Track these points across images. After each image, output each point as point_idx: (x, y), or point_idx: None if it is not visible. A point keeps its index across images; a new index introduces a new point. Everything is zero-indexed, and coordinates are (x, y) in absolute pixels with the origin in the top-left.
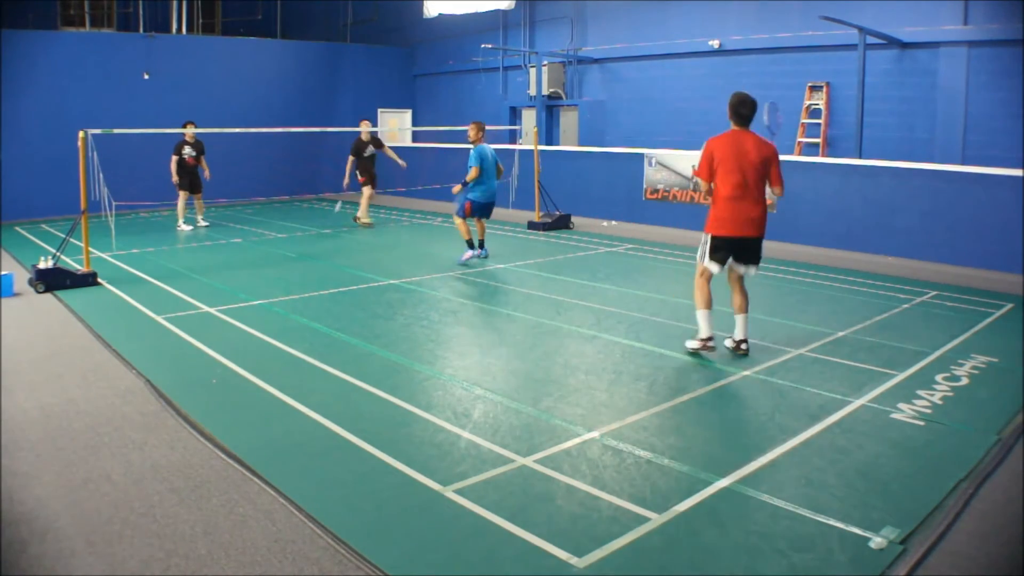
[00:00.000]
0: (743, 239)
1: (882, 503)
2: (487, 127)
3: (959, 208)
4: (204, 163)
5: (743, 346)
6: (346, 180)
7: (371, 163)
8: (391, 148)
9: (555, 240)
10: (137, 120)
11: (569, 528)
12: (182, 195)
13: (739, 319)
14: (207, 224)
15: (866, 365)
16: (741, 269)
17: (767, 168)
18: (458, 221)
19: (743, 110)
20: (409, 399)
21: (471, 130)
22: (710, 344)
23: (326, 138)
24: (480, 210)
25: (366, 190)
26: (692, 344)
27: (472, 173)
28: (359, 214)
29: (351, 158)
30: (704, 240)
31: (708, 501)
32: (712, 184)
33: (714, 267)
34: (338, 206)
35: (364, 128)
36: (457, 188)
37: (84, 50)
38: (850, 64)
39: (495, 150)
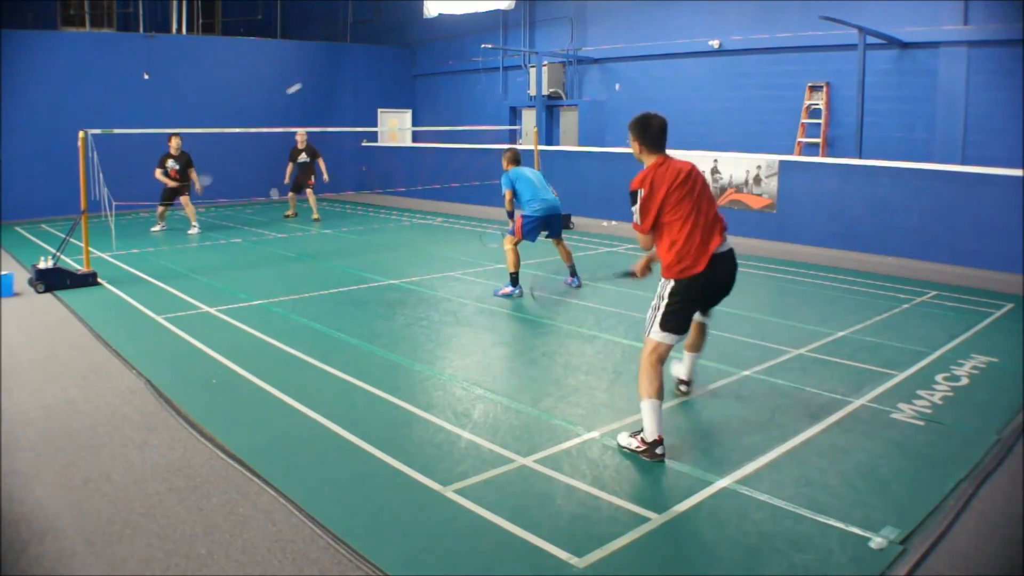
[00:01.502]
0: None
1: (882, 503)
2: (488, 127)
3: (959, 208)
4: (194, 176)
5: (684, 387)
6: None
7: (303, 169)
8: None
9: None
10: (137, 120)
11: (569, 528)
12: (162, 207)
13: (690, 357)
14: (197, 230)
15: (866, 365)
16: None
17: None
18: (507, 246)
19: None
20: (409, 399)
21: (503, 161)
22: (659, 452)
23: (326, 138)
24: (536, 228)
25: (308, 192)
26: (625, 443)
27: (507, 197)
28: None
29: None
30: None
31: (708, 501)
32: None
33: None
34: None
35: (298, 137)
36: (511, 224)
37: (84, 50)
38: (850, 64)
39: (525, 170)
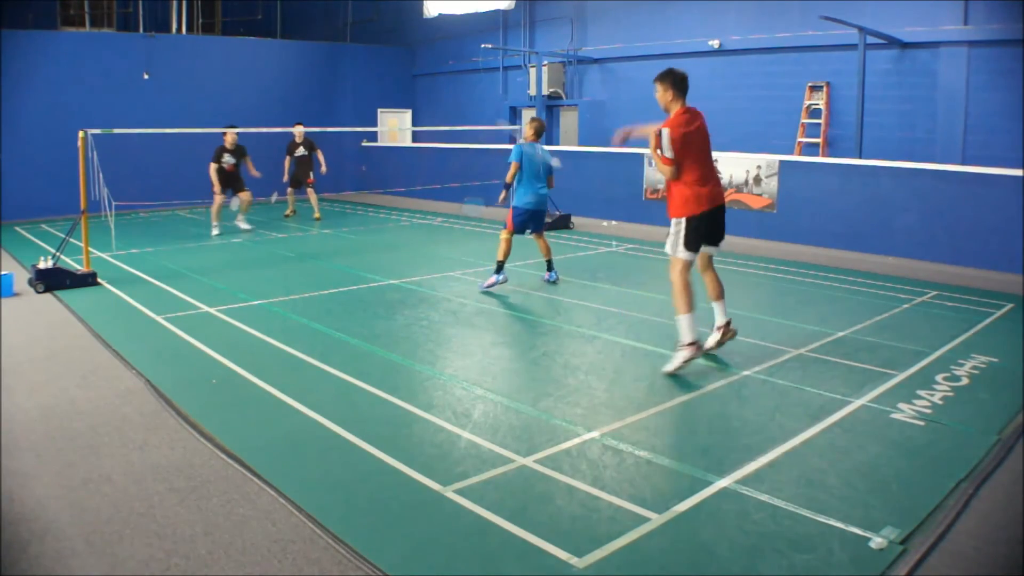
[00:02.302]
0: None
1: (882, 503)
2: (488, 127)
3: (959, 208)
4: (250, 165)
5: (731, 326)
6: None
7: (300, 164)
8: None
9: (555, 240)
10: (137, 120)
11: (569, 528)
12: (218, 198)
13: (718, 306)
14: (249, 227)
15: (866, 365)
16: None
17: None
18: (503, 235)
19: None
20: (409, 399)
21: (526, 127)
22: (700, 346)
23: (326, 138)
24: (525, 221)
25: (309, 190)
26: (677, 360)
27: (511, 170)
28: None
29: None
30: (679, 225)
31: (708, 501)
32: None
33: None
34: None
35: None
36: (503, 196)
37: (84, 50)
38: (850, 64)
39: (536, 149)
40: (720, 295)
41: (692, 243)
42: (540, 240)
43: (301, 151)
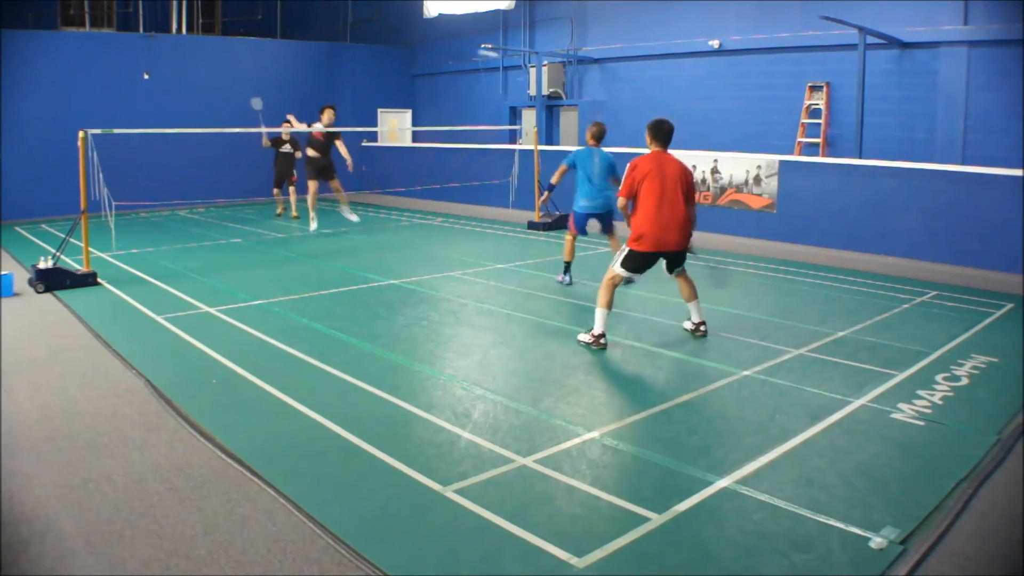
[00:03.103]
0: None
1: (882, 503)
2: (488, 127)
3: (959, 208)
4: (342, 147)
5: (702, 327)
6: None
7: (286, 162)
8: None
9: (555, 240)
10: (137, 120)
11: (569, 528)
12: (311, 184)
13: (692, 305)
14: (355, 217)
15: (866, 365)
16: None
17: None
18: (566, 237)
19: (665, 133)
20: (409, 399)
21: (587, 132)
22: (603, 341)
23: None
24: (582, 224)
25: (291, 189)
26: (583, 338)
27: (559, 170)
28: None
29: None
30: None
31: (708, 501)
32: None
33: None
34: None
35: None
36: (544, 196)
37: (84, 50)
38: (850, 64)
39: (593, 154)
40: (693, 296)
41: (630, 267)
42: (611, 240)
43: (287, 148)
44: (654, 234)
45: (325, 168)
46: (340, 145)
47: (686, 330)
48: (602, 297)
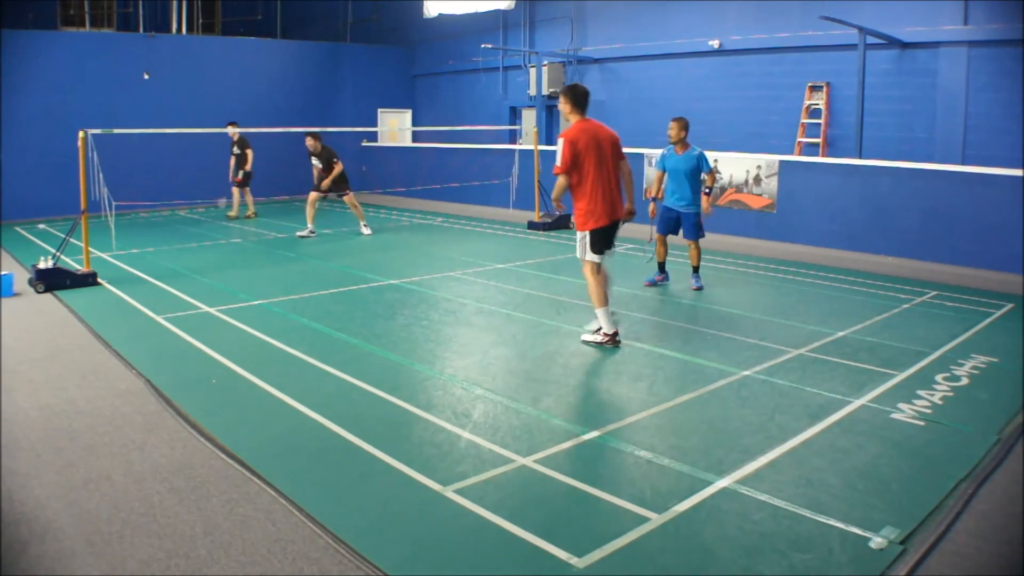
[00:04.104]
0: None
1: (882, 503)
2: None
3: (959, 208)
4: (338, 169)
5: (616, 337)
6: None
7: (238, 163)
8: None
9: (555, 240)
10: (137, 120)
11: (569, 528)
12: (312, 195)
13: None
14: (313, 231)
15: (866, 365)
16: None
17: (617, 152)
18: (656, 237)
19: (584, 98)
20: (409, 399)
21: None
22: (617, 339)
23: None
24: (659, 223)
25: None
26: (595, 338)
27: (655, 178)
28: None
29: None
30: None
31: (708, 501)
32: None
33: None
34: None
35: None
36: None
37: (84, 50)
38: (850, 64)
39: (674, 152)
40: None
41: (597, 248)
42: (692, 249)
43: (236, 150)
44: (604, 208)
45: (337, 187)
46: (335, 170)
47: (588, 341)
48: (596, 295)
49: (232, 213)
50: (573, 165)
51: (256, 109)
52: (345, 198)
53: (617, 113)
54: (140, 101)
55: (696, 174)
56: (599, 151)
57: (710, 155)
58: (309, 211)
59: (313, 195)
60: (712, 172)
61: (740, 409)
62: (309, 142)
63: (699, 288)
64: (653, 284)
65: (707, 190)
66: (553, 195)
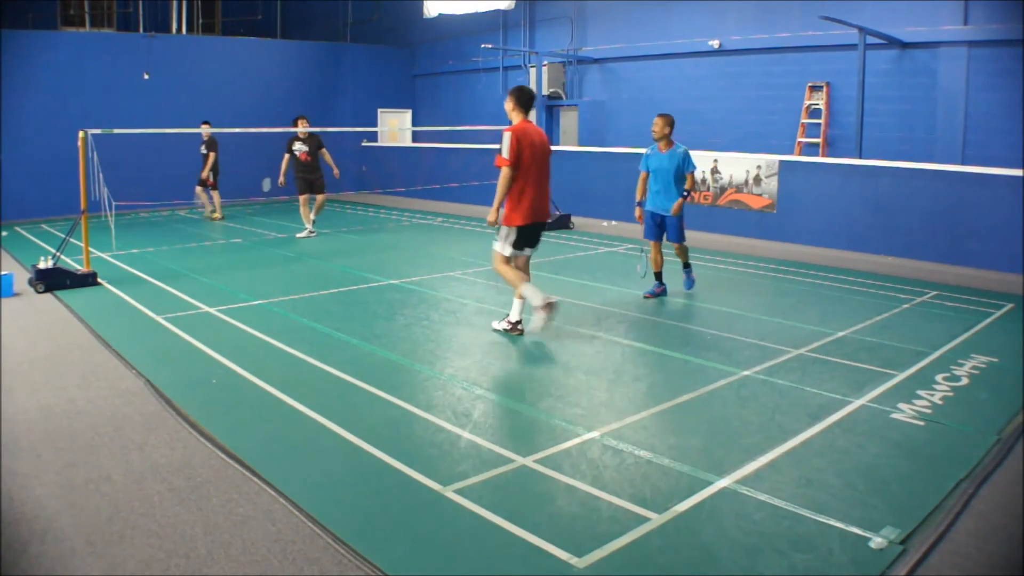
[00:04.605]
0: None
1: (882, 503)
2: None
3: (959, 208)
4: (328, 157)
5: (520, 326)
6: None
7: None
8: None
9: (555, 240)
10: (137, 120)
11: (569, 528)
12: (301, 198)
13: (518, 303)
14: (313, 232)
15: (866, 365)
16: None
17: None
18: (651, 245)
19: (529, 100)
20: (409, 399)
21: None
22: (520, 328)
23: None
24: (646, 229)
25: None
26: (537, 322)
27: (639, 180)
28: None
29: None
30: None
31: (708, 501)
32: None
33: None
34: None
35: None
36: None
37: (84, 50)
38: (850, 64)
39: (657, 151)
40: (527, 277)
41: (517, 245)
42: (679, 249)
43: (204, 149)
44: (535, 207)
45: (314, 182)
46: (326, 154)
47: (501, 328)
48: (514, 282)
49: (215, 215)
50: (517, 158)
51: (256, 109)
52: (320, 196)
53: (617, 113)
54: (140, 101)
55: (681, 174)
56: (535, 152)
57: (710, 155)
58: (303, 211)
59: (302, 199)
60: (693, 173)
61: (740, 409)
62: (302, 124)
63: (691, 288)
64: (653, 295)
65: (685, 193)
66: (496, 199)
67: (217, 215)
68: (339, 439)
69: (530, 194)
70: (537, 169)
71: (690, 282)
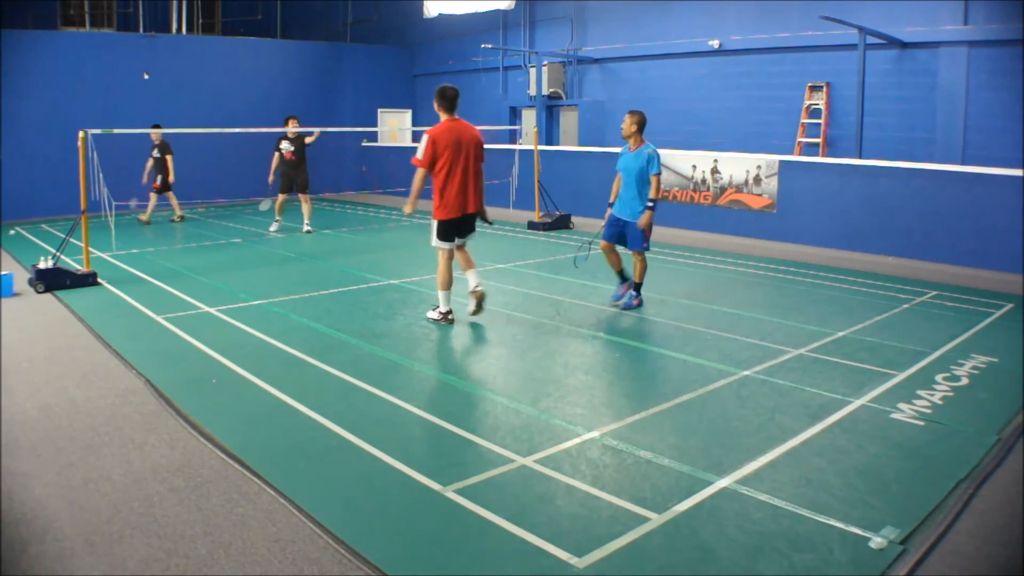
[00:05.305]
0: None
1: (882, 503)
2: (488, 127)
3: (959, 208)
4: (310, 140)
5: (479, 288)
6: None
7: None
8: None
9: (555, 240)
10: (137, 120)
11: (569, 528)
12: (281, 196)
13: (470, 274)
14: (311, 230)
15: (866, 365)
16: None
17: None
18: (603, 245)
19: (450, 100)
20: (409, 399)
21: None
22: (450, 318)
23: (326, 138)
24: (611, 226)
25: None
26: (432, 315)
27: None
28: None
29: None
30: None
31: (708, 501)
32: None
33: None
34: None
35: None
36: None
37: (84, 50)
38: (850, 64)
39: (627, 151)
40: (471, 266)
41: (444, 237)
42: (637, 259)
43: (156, 153)
44: (457, 201)
45: (296, 179)
46: (308, 140)
47: (473, 313)
48: (441, 279)
49: (144, 217)
50: (433, 160)
51: (256, 109)
52: (303, 196)
53: (617, 113)
54: (140, 101)
55: (646, 176)
56: (458, 149)
57: (710, 155)
58: (277, 206)
59: (281, 197)
60: (659, 177)
61: (740, 409)
62: (292, 124)
63: (630, 307)
64: (624, 304)
65: (651, 203)
66: (411, 194)
67: (177, 215)
68: (339, 439)
69: (452, 190)
70: (462, 166)
71: (629, 304)
